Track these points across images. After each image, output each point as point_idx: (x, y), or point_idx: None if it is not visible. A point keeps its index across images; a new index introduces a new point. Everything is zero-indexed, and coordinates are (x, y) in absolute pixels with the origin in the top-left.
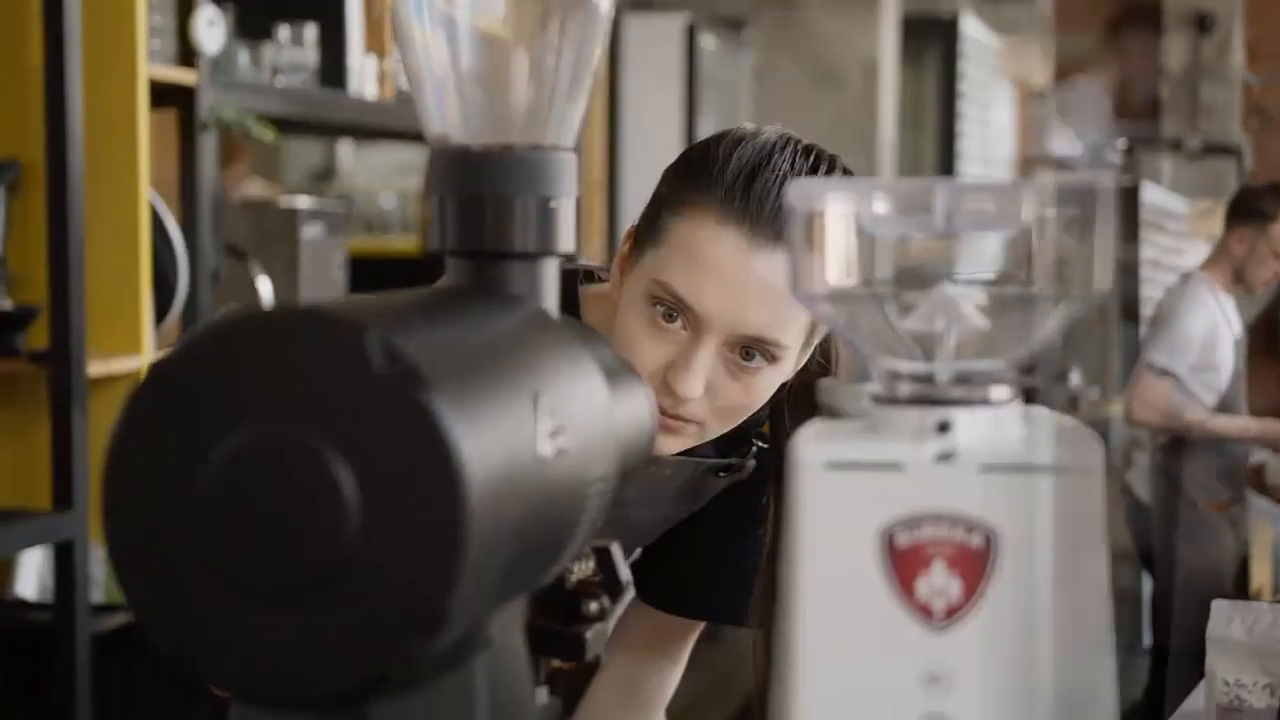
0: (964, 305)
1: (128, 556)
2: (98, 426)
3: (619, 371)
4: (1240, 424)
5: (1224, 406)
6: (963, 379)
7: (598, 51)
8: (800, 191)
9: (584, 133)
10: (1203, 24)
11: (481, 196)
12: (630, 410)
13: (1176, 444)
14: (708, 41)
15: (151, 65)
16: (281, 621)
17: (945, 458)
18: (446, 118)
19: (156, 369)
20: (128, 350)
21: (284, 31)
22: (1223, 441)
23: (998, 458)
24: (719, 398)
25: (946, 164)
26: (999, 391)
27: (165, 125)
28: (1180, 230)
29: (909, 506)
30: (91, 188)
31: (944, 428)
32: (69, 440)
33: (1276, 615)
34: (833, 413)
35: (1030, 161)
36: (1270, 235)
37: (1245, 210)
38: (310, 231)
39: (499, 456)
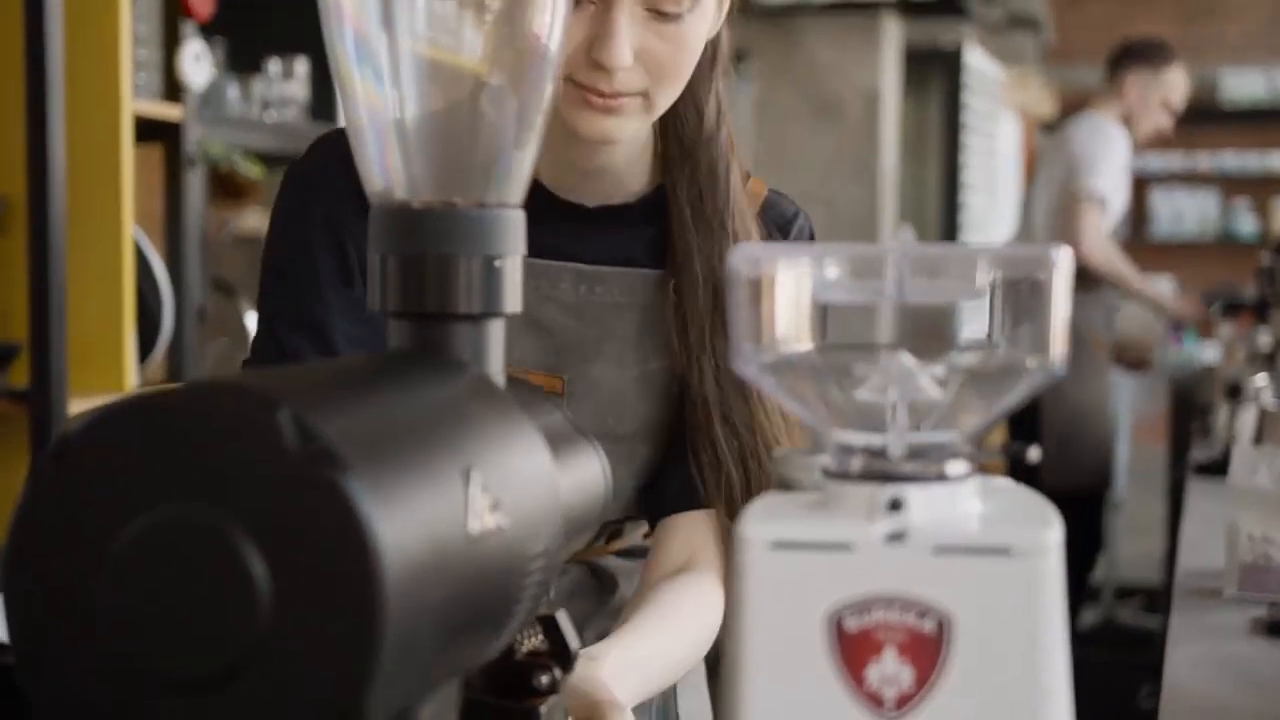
0: (918, 375)
1: (29, 640)
2: None
3: (567, 436)
4: (1167, 297)
5: None
6: (917, 453)
7: (545, 101)
8: (745, 256)
9: None
10: None
11: (424, 256)
12: (579, 476)
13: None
14: None
15: (137, 100)
16: (189, 714)
17: (897, 538)
18: (389, 173)
19: (64, 442)
20: (110, 389)
21: (274, 65)
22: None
23: (952, 539)
24: (651, 60)
25: (950, 195)
26: (955, 466)
27: (151, 160)
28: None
29: (859, 589)
30: (75, 224)
31: (896, 505)
32: None
33: None
34: (785, 485)
35: None
36: (1163, 83)
37: (1139, 57)
38: None
39: (422, 537)
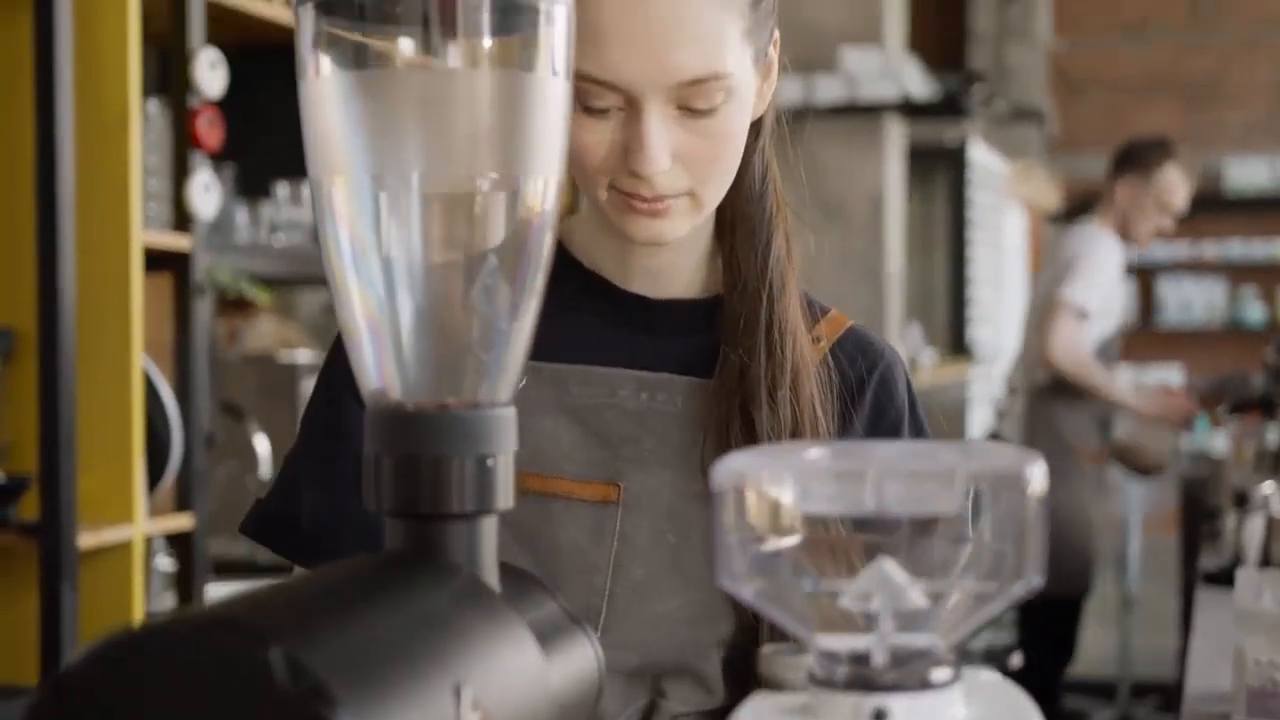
0: (903, 585)
1: None
2: (88, 600)
3: (559, 626)
4: (1138, 400)
5: (1102, 354)
6: (901, 659)
7: (540, 279)
8: (727, 469)
9: None
10: None
11: (418, 457)
12: (571, 669)
13: (1057, 387)
14: None
15: (147, 231)
16: None
17: None
18: (383, 374)
19: (57, 682)
20: (120, 520)
21: (282, 189)
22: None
23: None
24: (691, 159)
25: (957, 289)
26: (939, 673)
27: (161, 288)
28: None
29: None
30: (84, 356)
31: (880, 716)
32: (58, 615)
33: None
34: (772, 683)
35: None
36: (1153, 185)
37: (1130, 161)
38: (311, 386)
39: None
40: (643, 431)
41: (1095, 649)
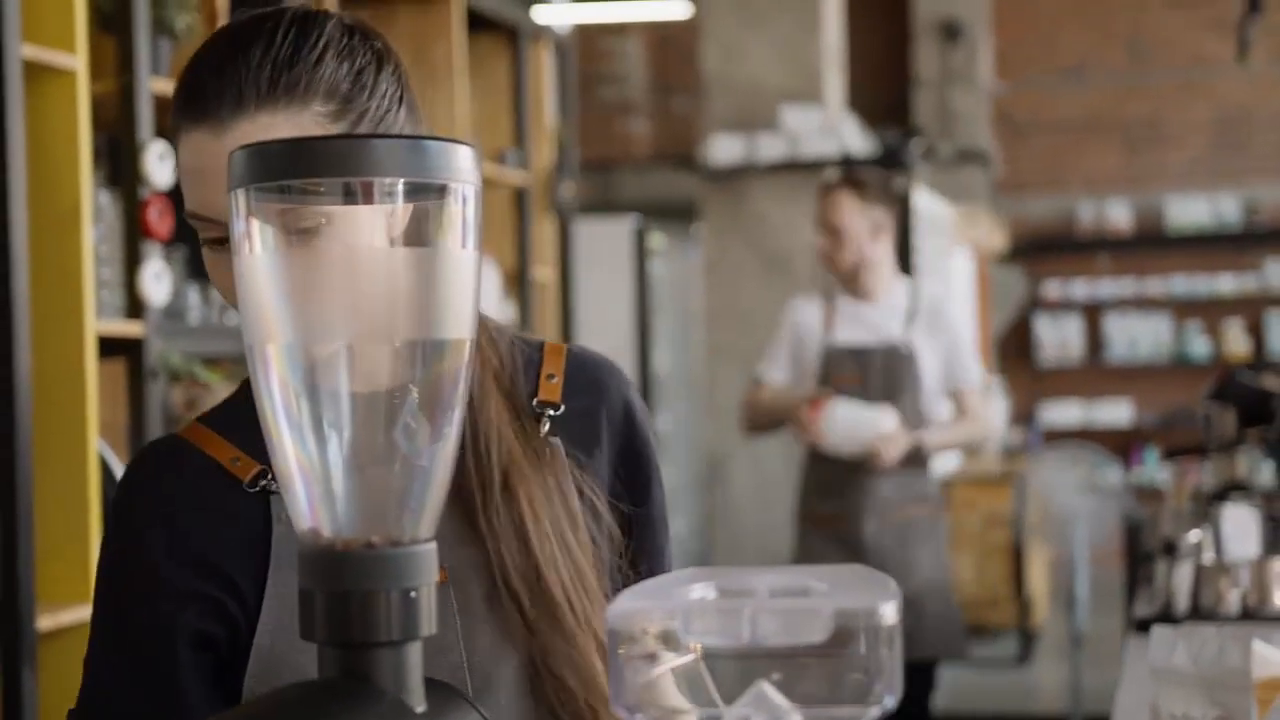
0: (780, 704)
1: None
2: (48, 682)
3: None
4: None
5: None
6: None
7: (453, 441)
8: (619, 611)
9: (538, 332)
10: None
11: (348, 592)
12: None
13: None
14: (657, 240)
15: (100, 320)
16: None
17: None
18: (314, 514)
19: None
20: (78, 600)
21: None
22: None
23: None
24: None
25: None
26: None
27: (114, 374)
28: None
29: None
30: (40, 442)
31: None
32: (19, 698)
33: (1224, 640)
34: None
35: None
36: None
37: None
38: None
39: None
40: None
41: (1046, 685)
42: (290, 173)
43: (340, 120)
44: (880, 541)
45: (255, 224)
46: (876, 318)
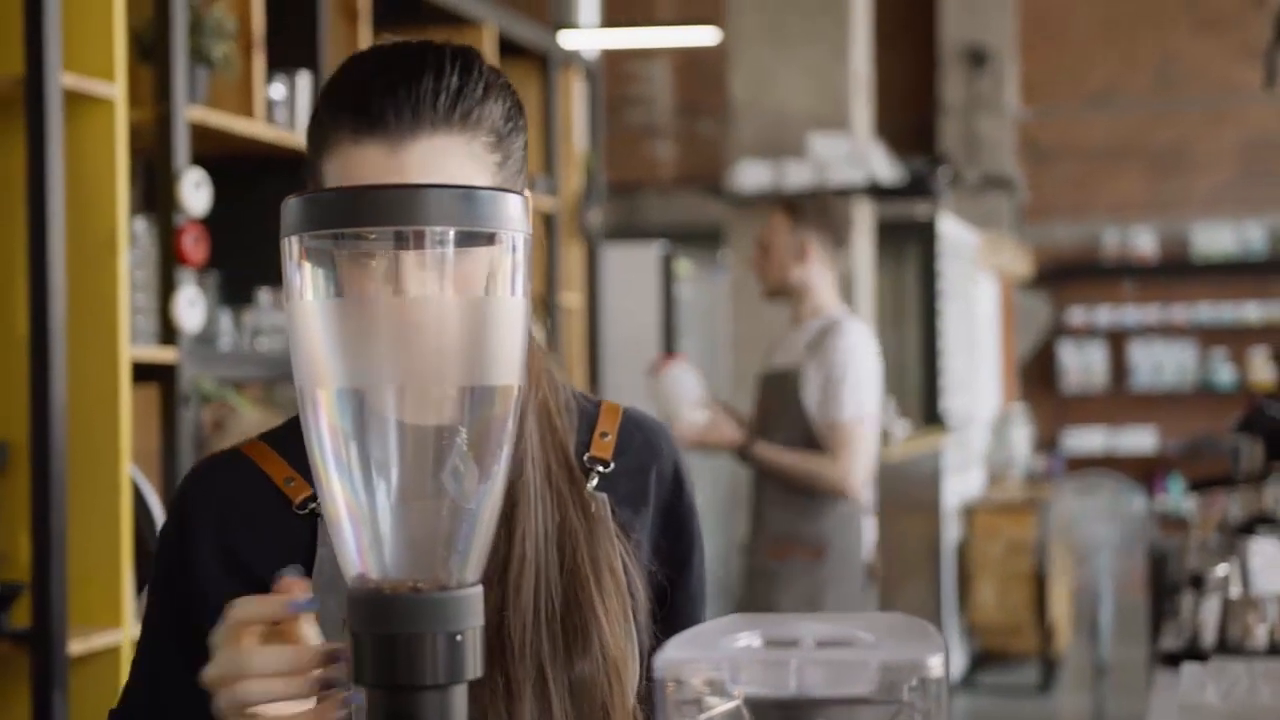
0: None
1: None
2: (78, 706)
3: None
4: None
5: None
6: None
7: (499, 484)
8: (667, 660)
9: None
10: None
11: (394, 636)
12: None
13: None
14: (684, 267)
15: (134, 346)
16: None
17: None
18: (363, 559)
19: None
20: (108, 625)
21: (265, 295)
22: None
23: None
24: None
25: (929, 360)
26: None
27: (148, 399)
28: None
29: None
30: (75, 467)
31: None
32: None
33: (1254, 678)
34: None
35: None
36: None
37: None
38: None
39: None
40: None
41: (1067, 713)
42: (345, 221)
43: (495, 154)
44: (756, 578)
45: (308, 269)
46: (799, 342)
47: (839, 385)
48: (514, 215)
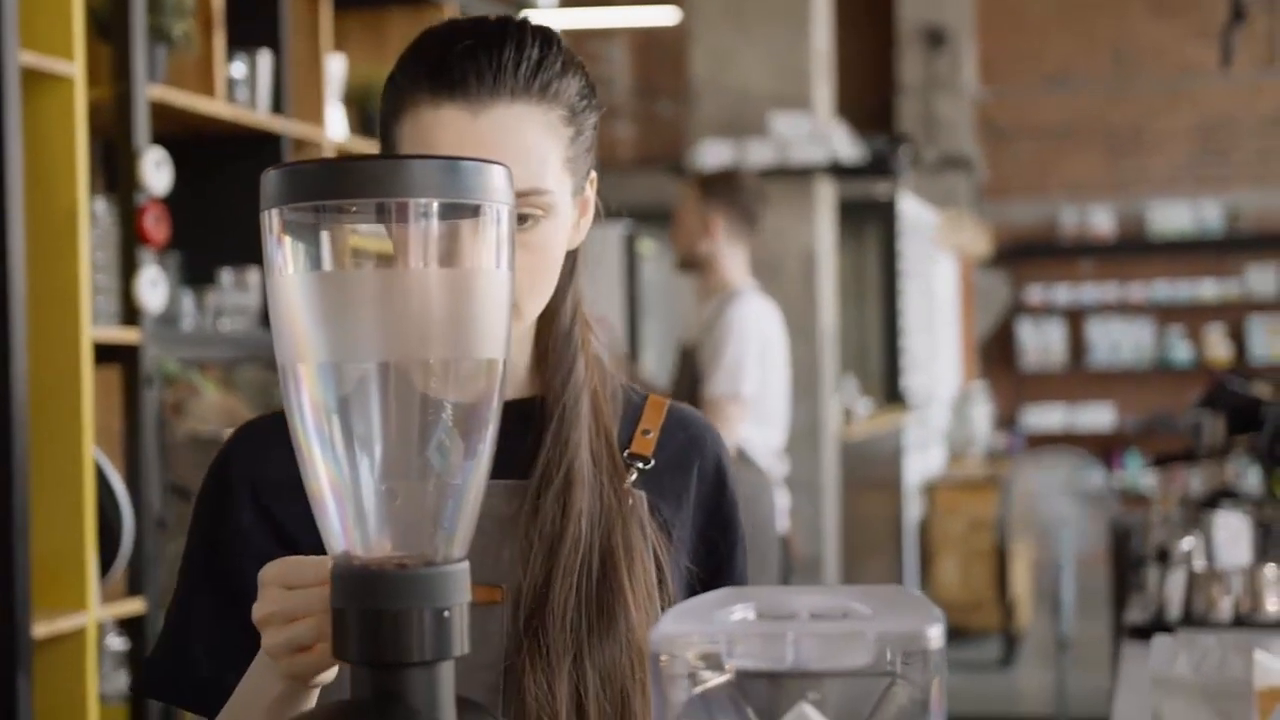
0: None
1: None
2: (43, 690)
3: None
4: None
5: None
6: None
7: (485, 461)
8: (662, 634)
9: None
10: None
11: (380, 612)
12: None
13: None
14: (646, 246)
15: (96, 327)
16: None
17: None
18: (348, 536)
19: None
20: (72, 608)
21: (227, 276)
22: None
23: None
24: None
25: (890, 338)
26: None
27: (110, 380)
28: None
29: None
30: (36, 449)
31: None
32: (14, 705)
33: (1225, 649)
34: None
35: None
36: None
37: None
38: None
39: None
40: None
41: (1030, 688)
42: (327, 193)
43: (569, 128)
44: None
45: (288, 243)
46: (702, 316)
47: (716, 361)
48: (498, 187)
